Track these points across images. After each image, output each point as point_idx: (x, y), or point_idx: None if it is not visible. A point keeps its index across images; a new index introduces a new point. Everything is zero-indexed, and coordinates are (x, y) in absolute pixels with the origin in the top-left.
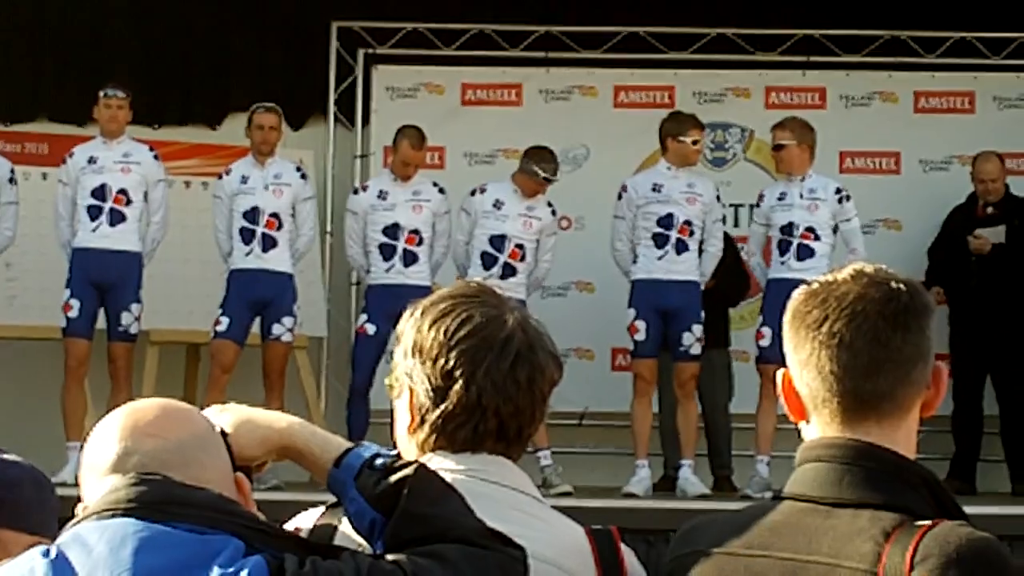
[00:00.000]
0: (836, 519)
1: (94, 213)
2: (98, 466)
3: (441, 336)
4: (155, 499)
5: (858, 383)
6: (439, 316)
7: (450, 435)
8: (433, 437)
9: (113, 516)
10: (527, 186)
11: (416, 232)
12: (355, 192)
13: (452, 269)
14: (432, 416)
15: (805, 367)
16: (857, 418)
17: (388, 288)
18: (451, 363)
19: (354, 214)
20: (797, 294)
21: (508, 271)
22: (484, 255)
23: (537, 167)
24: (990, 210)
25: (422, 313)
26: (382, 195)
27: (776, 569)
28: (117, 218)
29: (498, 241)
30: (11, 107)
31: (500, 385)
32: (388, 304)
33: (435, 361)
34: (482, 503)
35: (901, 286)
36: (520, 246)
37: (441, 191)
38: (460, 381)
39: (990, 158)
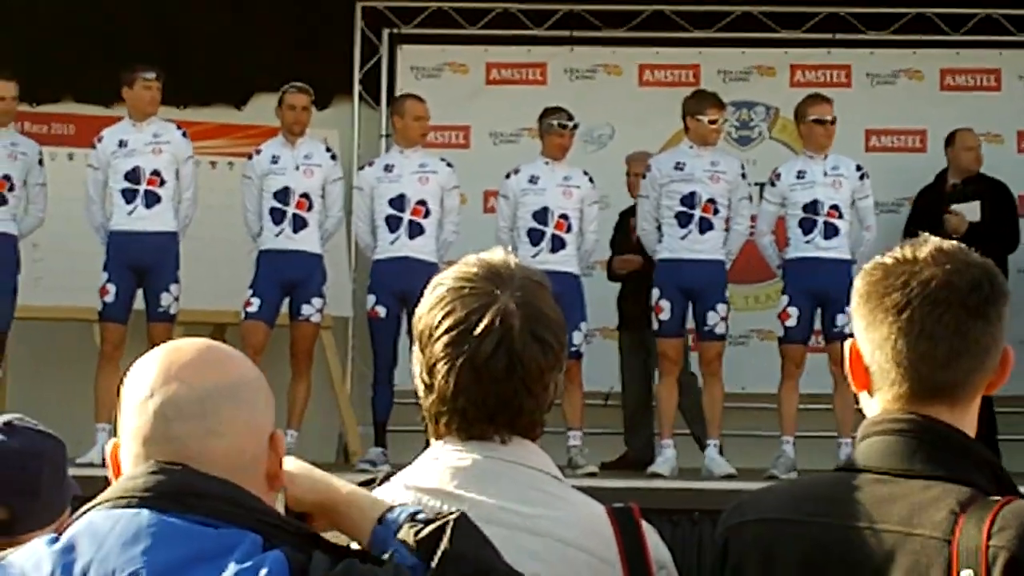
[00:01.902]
0: (906, 488)
1: (129, 196)
2: (127, 402)
3: (427, 328)
4: (171, 489)
5: (934, 372)
6: (430, 307)
7: (445, 424)
8: (433, 423)
9: (128, 505)
10: (553, 146)
11: (423, 203)
12: (361, 168)
13: (463, 252)
14: (426, 405)
15: (879, 348)
16: (927, 401)
17: (393, 262)
18: (434, 356)
19: (360, 189)
20: (871, 270)
21: (557, 244)
22: (530, 232)
23: (551, 120)
24: (959, 186)
25: (423, 299)
26: (388, 168)
27: (844, 535)
28: (152, 200)
29: (541, 215)
30: (37, 88)
31: (479, 375)
32: (393, 281)
33: (423, 352)
34: (501, 483)
35: (984, 273)
36: (564, 216)
37: (449, 165)
38: (441, 374)
39: (970, 129)
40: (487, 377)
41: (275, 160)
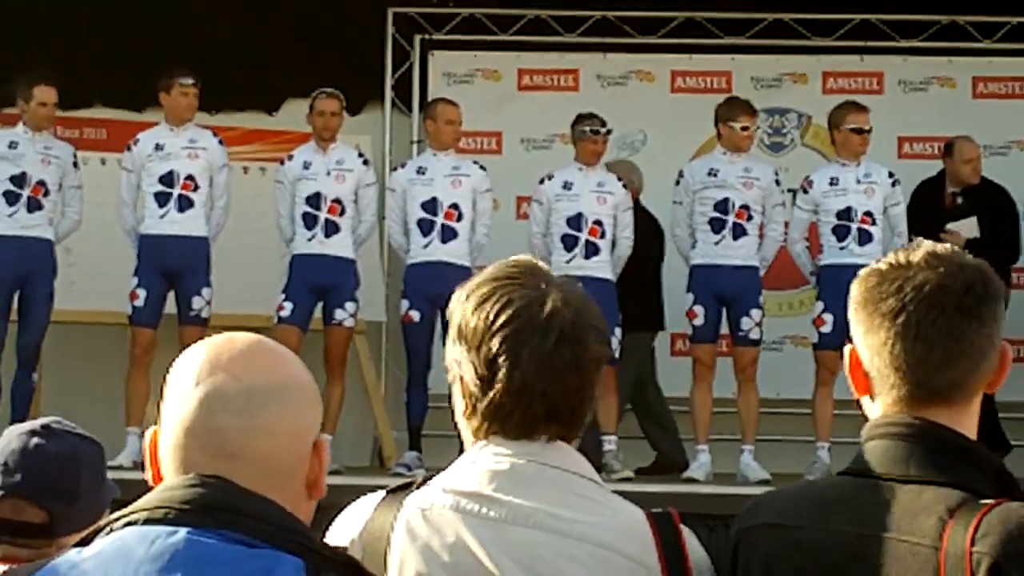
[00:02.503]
0: (901, 495)
1: (162, 200)
2: (171, 390)
3: (482, 323)
4: (210, 503)
5: (931, 375)
6: (480, 301)
7: (502, 422)
8: (486, 424)
9: (164, 518)
10: (586, 153)
11: (455, 207)
12: (394, 170)
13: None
14: (482, 404)
15: (877, 354)
16: (925, 403)
17: (426, 266)
18: (494, 349)
19: (393, 191)
20: (867, 276)
21: (591, 250)
22: (564, 237)
23: (584, 127)
24: (959, 200)
25: (466, 298)
26: (421, 170)
27: (837, 542)
28: (185, 204)
29: (575, 221)
30: (68, 93)
31: (545, 367)
32: (426, 285)
33: (479, 348)
34: (540, 487)
35: (977, 275)
36: (598, 222)
37: (481, 168)
38: (504, 367)
39: (970, 139)
40: (551, 369)
41: (307, 166)
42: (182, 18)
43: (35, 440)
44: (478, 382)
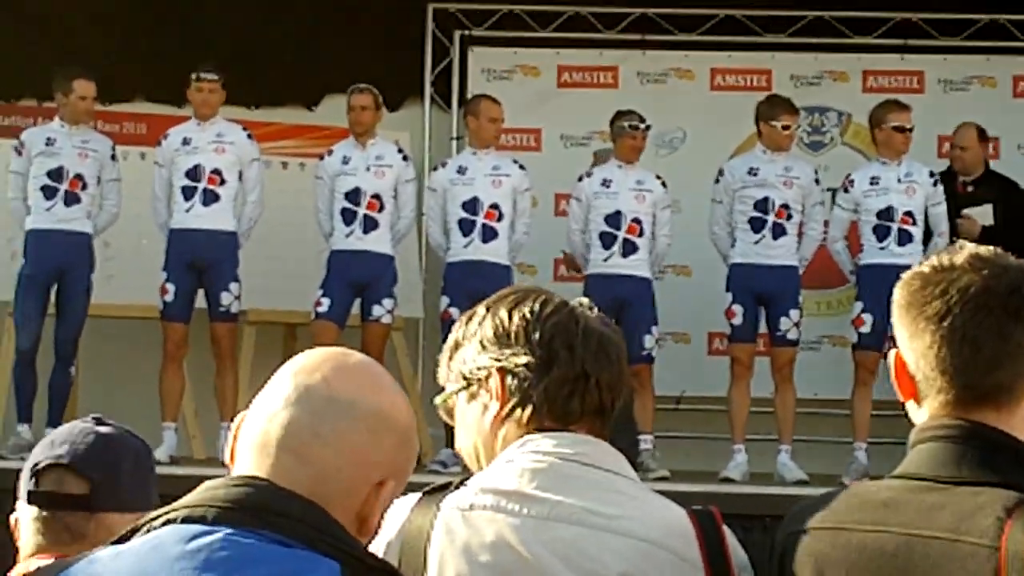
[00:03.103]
0: (955, 496)
1: (188, 193)
2: (272, 381)
3: (529, 315)
4: (251, 504)
5: (978, 378)
6: (514, 305)
7: (561, 405)
8: (543, 409)
9: (204, 516)
10: (625, 149)
11: (496, 207)
12: (434, 169)
13: (534, 254)
14: (539, 389)
15: (923, 357)
16: (973, 407)
17: (467, 265)
18: (547, 336)
19: (433, 191)
20: (910, 279)
21: (629, 248)
22: (602, 235)
23: (623, 122)
24: (970, 188)
25: (490, 308)
26: (461, 170)
27: (893, 543)
28: (210, 198)
29: (614, 219)
30: (109, 88)
31: (597, 357)
32: (467, 282)
33: (529, 338)
34: (579, 485)
35: (1021, 276)
36: (637, 220)
37: (522, 167)
38: (563, 351)
39: (968, 127)
40: (605, 358)
41: (346, 161)
42: (222, 13)
43: (83, 424)
44: (534, 368)
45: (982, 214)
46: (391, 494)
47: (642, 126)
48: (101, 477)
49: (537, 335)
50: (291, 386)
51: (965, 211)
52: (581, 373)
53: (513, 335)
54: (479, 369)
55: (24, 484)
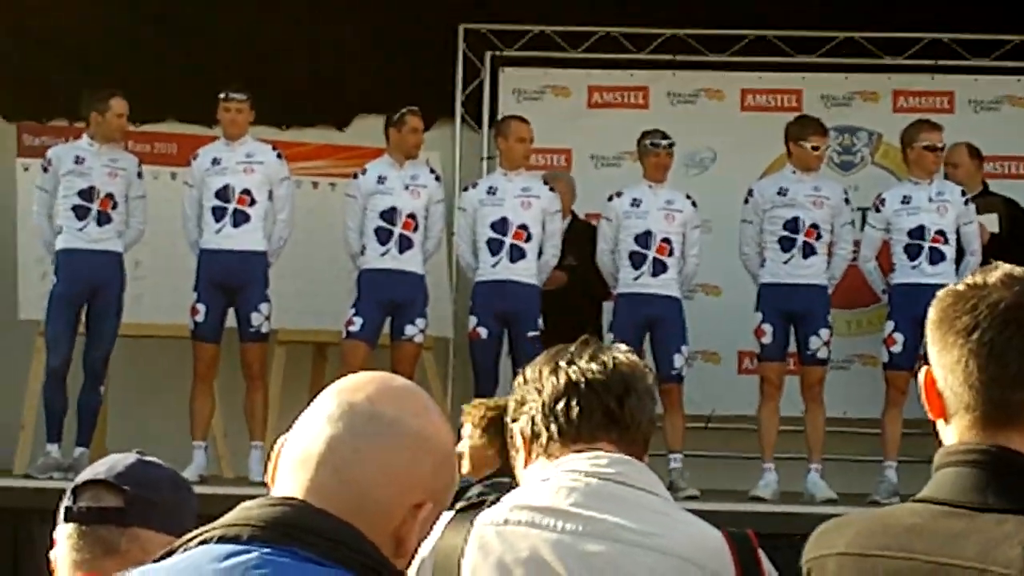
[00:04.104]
0: (980, 523)
1: (218, 214)
2: (318, 398)
3: (540, 364)
4: (287, 523)
5: (1006, 393)
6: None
7: (586, 418)
8: (554, 430)
9: (239, 535)
10: (652, 167)
11: (524, 227)
12: (465, 190)
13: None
14: (540, 414)
15: (951, 372)
16: (1000, 426)
17: (495, 284)
18: (537, 371)
19: (464, 211)
20: (943, 296)
21: (658, 267)
22: (632, 255)
23: (646, 141)
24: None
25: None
26: (491, 191)
27: (918, 571)
28: (241, 218)
29: (643, 238)
30: (140, 108)
31: (588, 364)
32: (495, 302)
33: (541, 378)
34: (614, 503)
35: None
36: (667, 240)
37: (552, 189)
38: (548, 376)
39: (959, 145)
40: (599, 363)
41: (382, 180)
42: (253, 34)
43: (126, 454)
44: (530, 408)
45: (989, 221)
46: (429, 517)
47: (663, 143)
48: (136, 492)
49: (550, 367)
50: (334, 404)
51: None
52: (568, 382)
53: (534, 379)
54: (518, 423)
55: (65, 504)
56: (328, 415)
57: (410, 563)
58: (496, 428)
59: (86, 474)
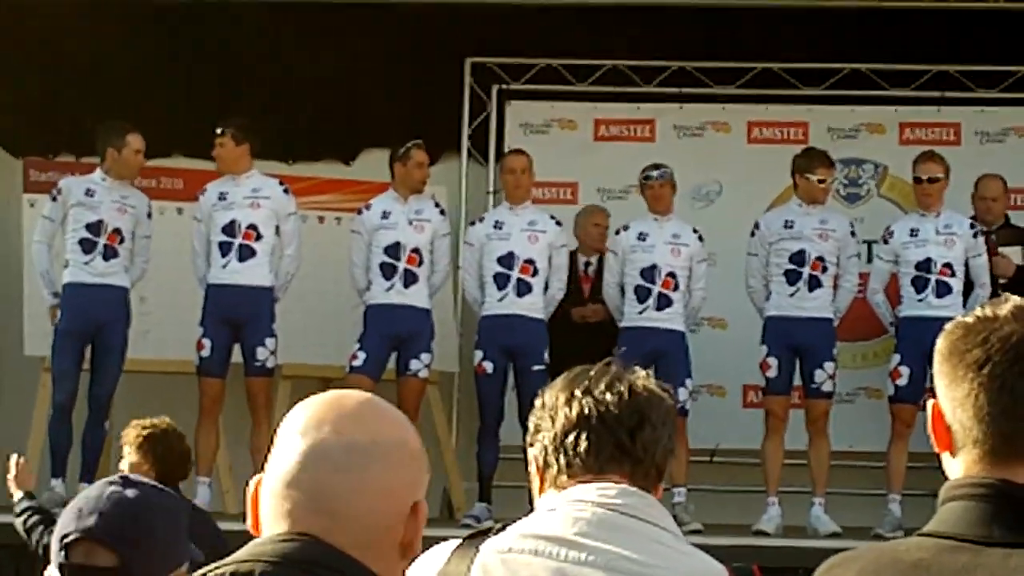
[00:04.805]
0: (986, 558)
1: (225, 249)
2: (278, 441)
3: (557, 390)
4: (297, 558)
5: (1016, 427)
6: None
7: (595, 453)
8: (563, 462)
9: (251, 571)
10: (652, 200)
11: (531, 262)
12: (472, 224)
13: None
14: (552, 444)
15: (960, 406)
16: (1007, 460)
17: (501, 319)
18: (551, 403)
19: (470, 245)
20: (953, 328)
21: (663, 301)
22: (637, 289)
23: (643, 176)
24: (992, 237)
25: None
26: (498, 225)
27: None
28: (247, 253)
29: (649, 273)
30: (147, 143)
31: (601, 395)
32: (500, 336)
33: (556, 406)
34: (621, 534)
35: None
36: (672, 275)
37: (558, 223)
38: (563, 405)
39: (993, 178)
40: (614, 393)
41: (386, 215)
42: (258, 69)
43: (111, 488)
44: (571, 425)
45: (1013, 254)
46: (425, 510)
47: (655, 174)
48: (131, 550)
49: (565, 395)
50: (306, 447)
51: (1000, 249)
52: (580, 415)
53: (550, 408)
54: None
55: (55, 554)
56: (301, 461)
57: (415, 558)
58: (151, 444)
59: (73, 522)
